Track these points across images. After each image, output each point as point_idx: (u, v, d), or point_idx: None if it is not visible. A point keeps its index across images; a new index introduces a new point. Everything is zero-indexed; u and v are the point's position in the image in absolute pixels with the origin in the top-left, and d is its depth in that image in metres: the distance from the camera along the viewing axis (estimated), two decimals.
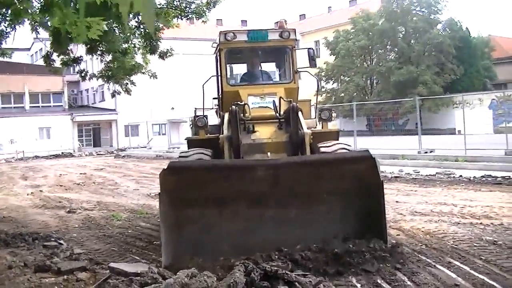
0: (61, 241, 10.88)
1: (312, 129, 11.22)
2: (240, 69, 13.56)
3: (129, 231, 11.91)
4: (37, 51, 76.32)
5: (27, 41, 73.67)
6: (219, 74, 12.05)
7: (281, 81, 12.74)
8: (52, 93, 69.28)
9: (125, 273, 7.04)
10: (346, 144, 10.72)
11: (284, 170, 8.57)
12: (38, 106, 68.64)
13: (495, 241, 9.25)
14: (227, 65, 12.28)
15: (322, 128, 11.64)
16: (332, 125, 14.41)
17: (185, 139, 12.14)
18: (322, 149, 10.09)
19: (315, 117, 12.30)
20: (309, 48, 12.69)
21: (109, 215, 14.34)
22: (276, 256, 7.70)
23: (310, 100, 13.67)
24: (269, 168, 8.49)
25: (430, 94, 44.95)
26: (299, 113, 10.39)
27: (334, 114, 11.82)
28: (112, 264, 7.18)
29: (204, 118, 11.74)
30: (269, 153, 10.01)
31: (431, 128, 44.24)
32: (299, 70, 12.20)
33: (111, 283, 6.78)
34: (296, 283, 5.02)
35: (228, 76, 12.35)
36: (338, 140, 11.04)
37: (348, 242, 8.03)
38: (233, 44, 11.77)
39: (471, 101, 39.55)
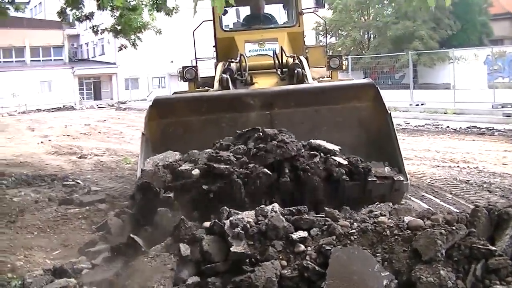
0: (78, 181, 11.99)
1: (320, 79, 10.20)
2: (234, 12, 12.15)
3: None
4: (36, 5, 76.41)
5: None
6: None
7: (283, 24, 11.30)
8: (53, 46, 69.75)
9: None
10: None
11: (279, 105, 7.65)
12: (39, 60, 69.17)
13: (467, 180, 10.40)
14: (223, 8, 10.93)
15: (332, 77, 10.50)
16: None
17: (173, 94, 10.48)
18: None
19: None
20: None
21: (118, 159, 15.43)
22: None
23: (325, 46, 12.59)
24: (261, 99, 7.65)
25: (426, 49, 45.46)
26: (305, 65, 9.25)
27: (345, 62, 11.03)
28: None
29: (194, 69, 10.39)
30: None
31: (426, 83, 45.04)
32: (304, 11, 10.75)
33: None
34: None
35: (224, 21, 11.00)
36: None
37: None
38: None
39: (466, 56, 40.06)
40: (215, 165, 6.36)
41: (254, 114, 7.55)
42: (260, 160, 6.38)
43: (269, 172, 6.29)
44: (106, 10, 14.10)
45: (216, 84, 9.22)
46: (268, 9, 11.68)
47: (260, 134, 6.71)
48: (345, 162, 6.59)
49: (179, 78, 10.99)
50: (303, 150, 6.59)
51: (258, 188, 6.27)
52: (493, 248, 4.57)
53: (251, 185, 6.23)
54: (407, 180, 6.89)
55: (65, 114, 45.84)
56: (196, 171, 6.50)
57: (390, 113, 7.39)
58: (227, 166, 6.34)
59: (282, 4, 12.00)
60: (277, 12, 12.12)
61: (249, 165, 6.38)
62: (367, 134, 7.53)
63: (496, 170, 11.32)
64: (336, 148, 6.82)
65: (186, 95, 9.14)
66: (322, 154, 6.64)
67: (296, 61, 9.15)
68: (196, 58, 11.52)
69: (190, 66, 10.58)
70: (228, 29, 11.15)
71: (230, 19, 11.99)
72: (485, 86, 37.10)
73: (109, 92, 71.08)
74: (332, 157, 6.59)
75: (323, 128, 7.45)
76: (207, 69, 11.85)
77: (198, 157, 6.87)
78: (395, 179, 6.64)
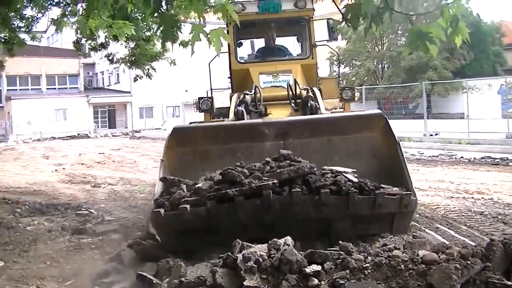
0: (92, 210, 11.99)
1: (333, 111, 10.31)
2: (251, 44, 12.58)
3: (152, 202, 12.96)
4: (53, 34, 77.23)
5: (42, 23, 74.20)
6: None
7: (296, 56, 11.77)
8: (68, 75, 70.59)
9: None
10: None
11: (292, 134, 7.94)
12: (55, 88, 69.93)
13: (482, 212, 10.26)
14: (238, 40, 11.40)
15: (344, 109, 10.74)
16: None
17: (189, 124, 10.58)
18: None
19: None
20: (329, 19, 11.45)
21: (132, 189, 15.44)
22: None
23: (337, 77, 12.92)
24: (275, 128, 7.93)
25: (440, 79, 45.46)
26: (319, 97, 9.59)
27: (357, 94, 11.12)
28: None
29: (209, 100, 10.77)
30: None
31: (440, 113, 44.93)
32: (317, 43, 11.13)
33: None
34: None
35: (239, 52, 11.43)
36: None
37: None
38: (242, 17, 9.61)
39: (480, 86, 39.99)
40: (229, 171, 6.64)
41: (269, 143, 7.75)
42: (273, 176, 6.56)
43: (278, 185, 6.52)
44: (120, 41, 14.22)
45: (231, 115, 9.48)
46: (282, 41, 12.11)
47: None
48: (355, 180, 6.75)
49: (195, 108, 11.35)
50: (315, 169, 6.79)
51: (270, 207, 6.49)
52: (509, 283, 4.52)
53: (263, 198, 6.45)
54: (415, 197, 7.00)
55: (80, 142, 46.13)
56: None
57: (399, 142, 7.62)
58: (240, 174, 6.62)
59: (296, 37, 12.33)
60: (291, 44, 12.55)
61: (263, 178, 6.57)
62: (378, 163, 7.79)
63: (511, 201, 11.19)
64: (349, 170, 7.00)
65: (204, 124, 9.47)
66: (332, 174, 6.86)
67: (310, 94, 9.39)
68: (211, 89, 11.73)
69: (206, 97, 10.91)
70: (243, 61, 11.44)
71: (245, 51, 12.35)
72: (499, 115, 36.97)
73: (123, 120, 71.58)
74: (343, 174, 6.78)
75: (335, 157, 7.66)
76: (221, 98, 12.04)
77: (214, 175, 7.12)
78: (404, 194, 6.75)
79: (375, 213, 6.69)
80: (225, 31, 5.26)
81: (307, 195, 6.52)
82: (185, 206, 6.63)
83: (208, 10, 8.25)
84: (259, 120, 8.82)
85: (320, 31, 11.55)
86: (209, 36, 5.16)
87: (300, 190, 6.47)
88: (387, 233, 6.86)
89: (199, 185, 7.02)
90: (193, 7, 5.23)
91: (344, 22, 5.75)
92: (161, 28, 5.50)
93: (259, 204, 6.46)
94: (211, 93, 11.63)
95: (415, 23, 6.70)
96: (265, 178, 6.57)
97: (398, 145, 7.55)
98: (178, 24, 5.39)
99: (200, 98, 10.89)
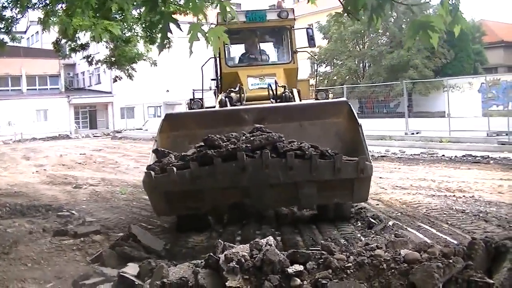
0: (73, 212, 11.90)
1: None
2: (238, 50, 13.46)
3: (134, 203, 12.94)
4: (33, 34, 76.78)
5: (22, 24, 73.84)
6: (217, 55, 11.93)
7: (280, 61, 12.79)
8: (49, 75, 70.13)
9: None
10: None
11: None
12: (35, 89, 69.47)
13: (463, 210, 10.35)
14: (226, 46, 12.12)
15: None
16: None
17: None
18: None
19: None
20: (308, 28, 12.74)
21: (113, 190, 15.35)
22: None
23: (309, 79, 13.97)
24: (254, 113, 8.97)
25: (420, 77, 45.68)
26: (296, 95, 10.74)
27: (331, 95, 12.32)
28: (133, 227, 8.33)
29: (200, 101, 11.54)
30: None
31: (421, 111, 45.18)
32: (298, 50, 12.26)
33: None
34: None
35: (227, 57, 12.36)
36: None
37: None
38: (231, 25, 10.88)
39: (461, 85, 40.25)
40: (210, 136, 7.67)
41: (248, 128, 8.37)
42: (247, 143, 7.47)
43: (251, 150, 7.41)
44: (100, 42, 14.11)
45: (217, 106, 10.91)
46: (267, 47, 13.40)
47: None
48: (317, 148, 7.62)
49: (187, 109, 12.21)
50: (283, 138, 7.61)
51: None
52: (491, 281, 4.54)
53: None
54: (370, 162, 7.62)
55: (61, 143, 45.71)
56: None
57: (361, 124, 8.40)
58: (219, 139, 7.64)
59: (279, 43, 13.30)
60: (275, 50, 13.70)
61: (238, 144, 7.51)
62: (342, 144, 8.55)
63: (492, 199, 11.30)
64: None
65: (193, 111, 10.62)
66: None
67: (287, 90, 10.79)
68: (202, 90, 12.41)
69: (197, 98, 11.75)
70: (232, 65, 12.45)
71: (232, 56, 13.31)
72: (479, 114, 37.23)
73: (104, 121, 71.27)
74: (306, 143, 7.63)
75: (306, 140, 8.05)
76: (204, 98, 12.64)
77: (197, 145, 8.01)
78: (359, 158, 7.48)
79: (336, 179, 7.44)
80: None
81: (276, 158, 7.34)
82: (172, 167, 7.43)
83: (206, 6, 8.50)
84: (240, 107, 9.99)
85: (301, 37, 12.56)
86: (207, 35, 5.12)
87: (269, 152, 7.30)
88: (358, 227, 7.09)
89: (185, 153, 7.90)
90: (190, 5, 5.16)
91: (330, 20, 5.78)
92: (160, 27, 5.40)
93: (235, 167, 7.29)
94: (202, 94, 12.33)
95: (418, 13, 6.81)
96: (240, 144, 7.47)
97: (360, 128, 8.34)
98: (177, 22, 5.30)
99: (191, 99, 11.76)
